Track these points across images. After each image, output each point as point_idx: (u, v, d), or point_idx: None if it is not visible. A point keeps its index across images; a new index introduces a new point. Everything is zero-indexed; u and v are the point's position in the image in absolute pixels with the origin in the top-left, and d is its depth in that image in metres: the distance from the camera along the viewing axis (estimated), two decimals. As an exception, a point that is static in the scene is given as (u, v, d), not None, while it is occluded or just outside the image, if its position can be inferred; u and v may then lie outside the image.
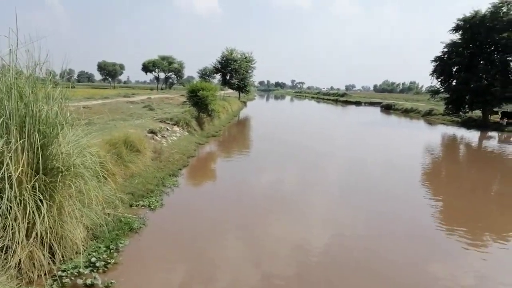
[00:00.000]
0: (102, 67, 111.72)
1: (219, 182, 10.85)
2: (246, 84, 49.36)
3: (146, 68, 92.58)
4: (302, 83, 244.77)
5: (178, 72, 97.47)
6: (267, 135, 21.66)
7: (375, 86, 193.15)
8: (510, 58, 28.68)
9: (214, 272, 5.30)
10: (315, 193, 9.90)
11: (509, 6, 28.32)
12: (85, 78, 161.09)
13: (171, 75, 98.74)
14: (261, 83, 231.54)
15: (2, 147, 4.26)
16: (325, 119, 37.15)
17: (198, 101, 19.22)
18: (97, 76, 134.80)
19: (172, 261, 5.55)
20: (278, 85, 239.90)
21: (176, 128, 16.09)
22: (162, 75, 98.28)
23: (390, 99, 65.80)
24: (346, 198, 9.51)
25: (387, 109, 51.08)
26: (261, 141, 19.32)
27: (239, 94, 51.95)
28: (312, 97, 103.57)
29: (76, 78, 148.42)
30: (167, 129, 15.13)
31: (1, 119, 4.40)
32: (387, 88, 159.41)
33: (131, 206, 7.34)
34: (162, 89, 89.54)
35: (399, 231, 7.20)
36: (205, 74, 60.87)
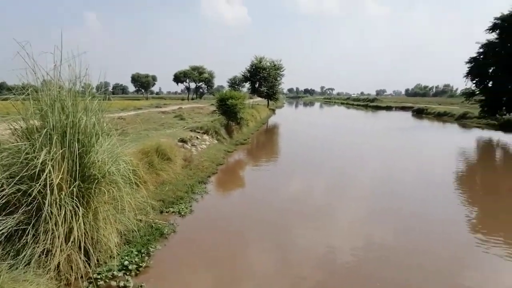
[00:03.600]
0: (135, 79, 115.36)
1: (247, 190, 11.01)
2: (275, 91, 49.46)
3: (178, 78, 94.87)
4: (332, 89, 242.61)
5: (209, 81, 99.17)
6: (295, 142, 21.68)
7: (406, 90, 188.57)
8: (551, 58, 27.42)
9: (242, 279, 5.43)
10: (349, 202, 9.84)
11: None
12: (119, 90, 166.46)
13: (201, 85, 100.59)
14: (290, 90, 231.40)
15: (45, 155, 4.59)
16: (354, 125, 36.57)
17: (227, 110, 19.57)
18: (131, 88, 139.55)
19: (200, 267, 5.72)
20: (307, 91, 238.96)
21: (205, 136, 16.44)
22: (192, 85, 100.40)
23: (422, 103, 64.06)
24: (381, 209, 9.43)
25: (419, 113, 49.83)
26: (289, 148, 19.36)
27: (268, 102, 52.17)
28: (342, 103, 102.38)
29: (111, 90, 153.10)
30: (197, 137, 15.49)
31: (45, 130, 4.74)
32: (419, 92, 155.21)
33: (161, 212, 7.63)
34: (193, 99, 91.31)
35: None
36: (234, 83, 61.50)
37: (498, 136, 25.38)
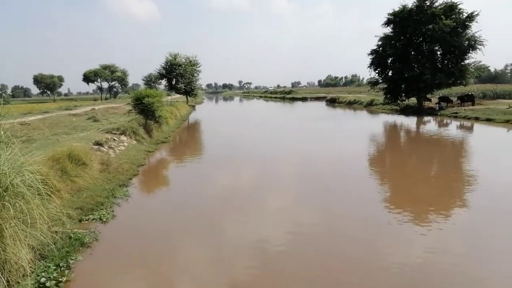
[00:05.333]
0: (39, 80, 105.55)
1: (171, 189, 10.73)
2: (193, 87, 49.04)
3: (88, 78, 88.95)
4: (250, 83, 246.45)
5: (122, 80, 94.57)
6: (217, 138, 21.64)
7: (319, 81, 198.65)
8: (436, 48, 30.91)
9: (174, 283, 5.26)
10: (272, 193, 10.02)
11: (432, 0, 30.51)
12: (20, 93, 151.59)
13: (114, 84, 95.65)
14: (208, 85, 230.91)
15: None
16: (275, 117, 37.62)
17: (144, 109, 18.83)
18: (34, 90, 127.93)
19: (127, 274, 5.45)
20: (226, 86, 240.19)
21: (123, 137, 15.65)
22: (105, 85, 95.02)
23: (334, 93, 68.19)
24: (305, 194, 9.80)
25: (332, 102, 52.92)
26: (212, 144, 19.29)
27: (187, 98, 51.46)
28: (260, 96, 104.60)
29: (10, 93, 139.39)
30: (114, 139, 14.69)
31: None
32: (331, 83, 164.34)
33: (80, 221, 7.10)
34: (106, 99, 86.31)
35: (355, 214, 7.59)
36: (150, 81, 59.49)
37: (400, 119, 28.00)
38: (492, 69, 77.70)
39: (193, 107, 52.39)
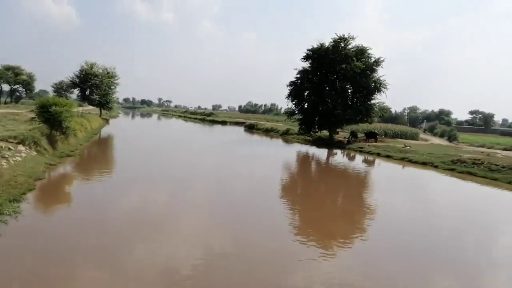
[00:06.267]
0: None
1: (71, 208, 9.80)
2: (108, 100, 46.63)
3: (-15, 79, 79.49)
4: (170, 101, 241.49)
5: (28, 84, 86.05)
6: (129, 155, 20.68)
7: (240, 106, 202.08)
8: (348, 86, 33.72)
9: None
10: (181, 218, 9.75)
11: (346, 42, 33.41)
12: None
13: (18, 87, 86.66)
14: (126, 100, 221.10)
15: None
16: (194, 138, 37.27)
17: (50, 118, 17.27)
18: None
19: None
20: (144, 102, 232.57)
21: (21, 147, 14.11)
22: (6, 88, 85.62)
23: (253, 119, 69.82)
24: (210, 213, 9.68)
25: (250, 128, 54.10)
26: (123, 162, 18.33)
27: (101, 111, 48.67)
28: (180, 116, 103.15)
29: None
30: (10, 148, 13.18)
31: None
32: (251, 109, 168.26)
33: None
34: (6, 103, 77.73)
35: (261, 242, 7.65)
36: (61, 89, 55.26)
37: (313, 150, 29.60)
38: (393, 111, 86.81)
39: (107, 120, 49.70)
